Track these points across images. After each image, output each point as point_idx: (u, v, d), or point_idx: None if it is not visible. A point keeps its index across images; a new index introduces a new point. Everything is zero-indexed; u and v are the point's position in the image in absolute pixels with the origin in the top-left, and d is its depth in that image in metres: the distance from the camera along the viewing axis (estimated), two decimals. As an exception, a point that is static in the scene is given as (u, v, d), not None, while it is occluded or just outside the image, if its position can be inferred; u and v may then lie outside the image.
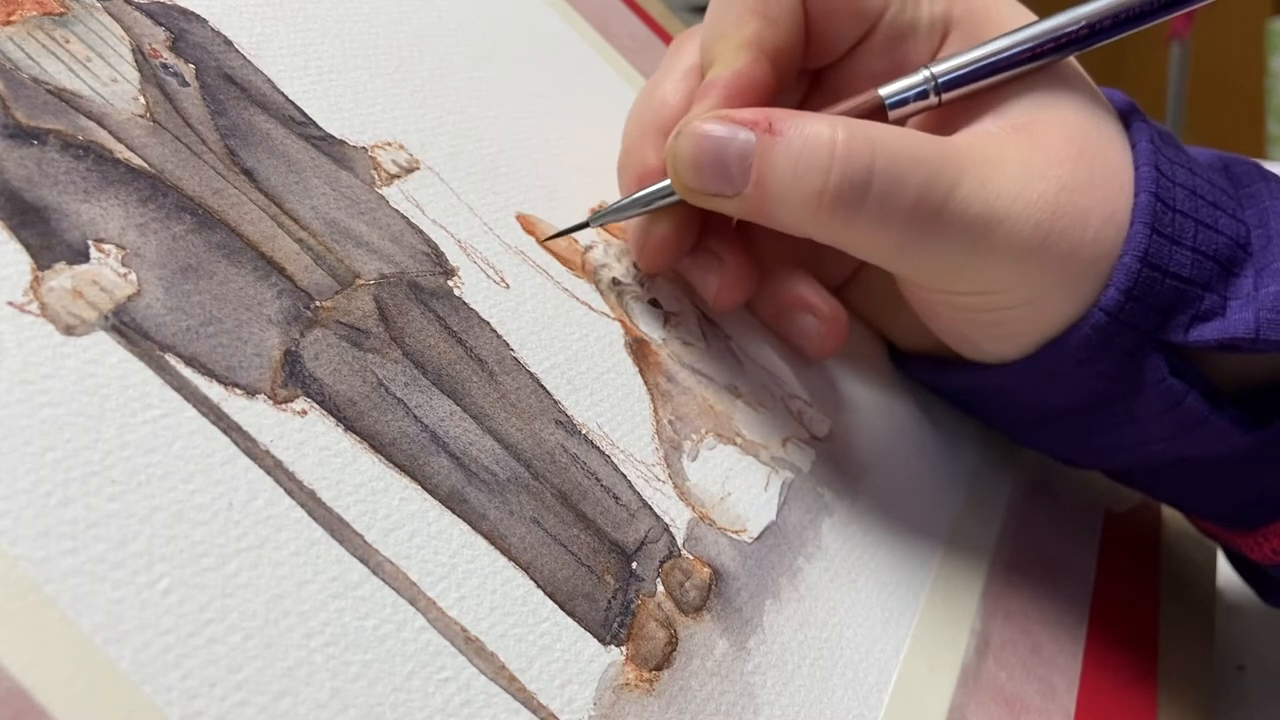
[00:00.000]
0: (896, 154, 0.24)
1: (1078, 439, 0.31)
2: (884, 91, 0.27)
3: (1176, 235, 0.26)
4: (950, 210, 0.24)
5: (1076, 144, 0.26)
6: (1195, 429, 0.27)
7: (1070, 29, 0.26)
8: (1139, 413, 0.28)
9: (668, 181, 0.27)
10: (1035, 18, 0.27)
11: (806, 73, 0.31)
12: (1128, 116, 0.28)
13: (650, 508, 0.23)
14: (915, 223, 0.25)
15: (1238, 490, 0.30)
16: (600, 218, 0.28)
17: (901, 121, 0.27)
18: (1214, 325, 0.26)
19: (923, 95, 0.27)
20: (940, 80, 0.26)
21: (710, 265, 0.29)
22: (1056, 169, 0.25)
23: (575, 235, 0.28)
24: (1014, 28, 0.27)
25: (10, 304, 0.17)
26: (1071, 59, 0.28)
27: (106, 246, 0.18)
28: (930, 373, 0.33)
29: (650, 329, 0.27)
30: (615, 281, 0.28)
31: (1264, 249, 0.26)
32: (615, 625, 0.21)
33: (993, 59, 0.26)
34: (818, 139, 0.24)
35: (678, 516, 0.23)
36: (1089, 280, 0.26)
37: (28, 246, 0.17)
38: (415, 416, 0.20)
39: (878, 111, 0.27)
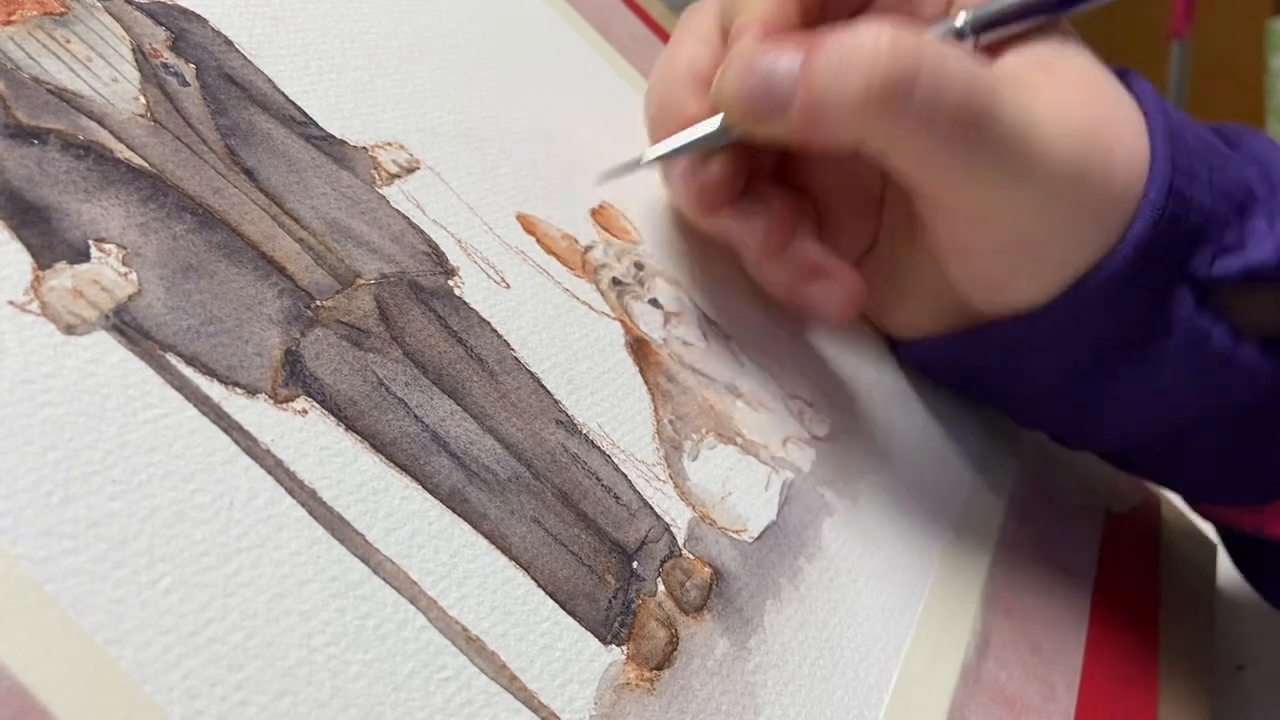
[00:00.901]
0: (940, 57, 0.25)
1: (1094, 402, 0.31)
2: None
3: (1193, 172, 0.27)
4: (995, 116, 0.25)
5: (1096, 84, 0.27)
6: (1220, 369, 0.27)
7: None
8: (1164, 354, 0.28)
9: (718, 120, 0.27)
10: None
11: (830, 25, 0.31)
12: (1123, 76, 0.29)
13: (651, 507, 0.23)
14: (961, 126, 0.25)
15: (1259, 450, 0.30)
16: (655, 155, 0.28)
17: None
18: (1237, 256, 0.26)
19: (959, 35, 0.28)
20: (979, 20, 0.28)
21: (756, 210, 0.29)
22: (1088, 101, 0.27)
23: (575, 235, 0.28)
24: None
25: (11, 303, 0.17)
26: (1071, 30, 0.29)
27: (107, 246, 0.18)
28: (942, 349, 0.33)
29: (650, 329, 0.27)
30: (615, 281, 0.28)
31: (1271, 196, 0.27)
32: (616, 625, 0.21)
33: (1030, 2, 0.27)
34: (861, 38, 0.25)
35: (678, 516, 0.23)
36: (1116, 213, 0.26)
37: (28, 246, 0.17)
38: (416, 416, 0.20)
39: None
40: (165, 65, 0.22)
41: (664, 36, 0.40)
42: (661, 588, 0.22)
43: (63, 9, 0.21)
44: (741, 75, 0.26)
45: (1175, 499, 0.42)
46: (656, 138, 0.29)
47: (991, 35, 0.28)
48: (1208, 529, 0.42)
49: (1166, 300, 0.27)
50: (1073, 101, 0.26)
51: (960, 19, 0.28)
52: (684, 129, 0.28)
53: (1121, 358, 0.29)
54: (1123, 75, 0.29)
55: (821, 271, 0.30)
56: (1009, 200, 0.26)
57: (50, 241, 0.18)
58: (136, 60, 0.22)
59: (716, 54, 0.29)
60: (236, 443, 0.18)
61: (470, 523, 0.20)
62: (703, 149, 0.28)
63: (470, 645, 0.18)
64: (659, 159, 0.29)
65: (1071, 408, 0.32)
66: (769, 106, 0.26)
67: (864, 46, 0.25)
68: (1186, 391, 0.28)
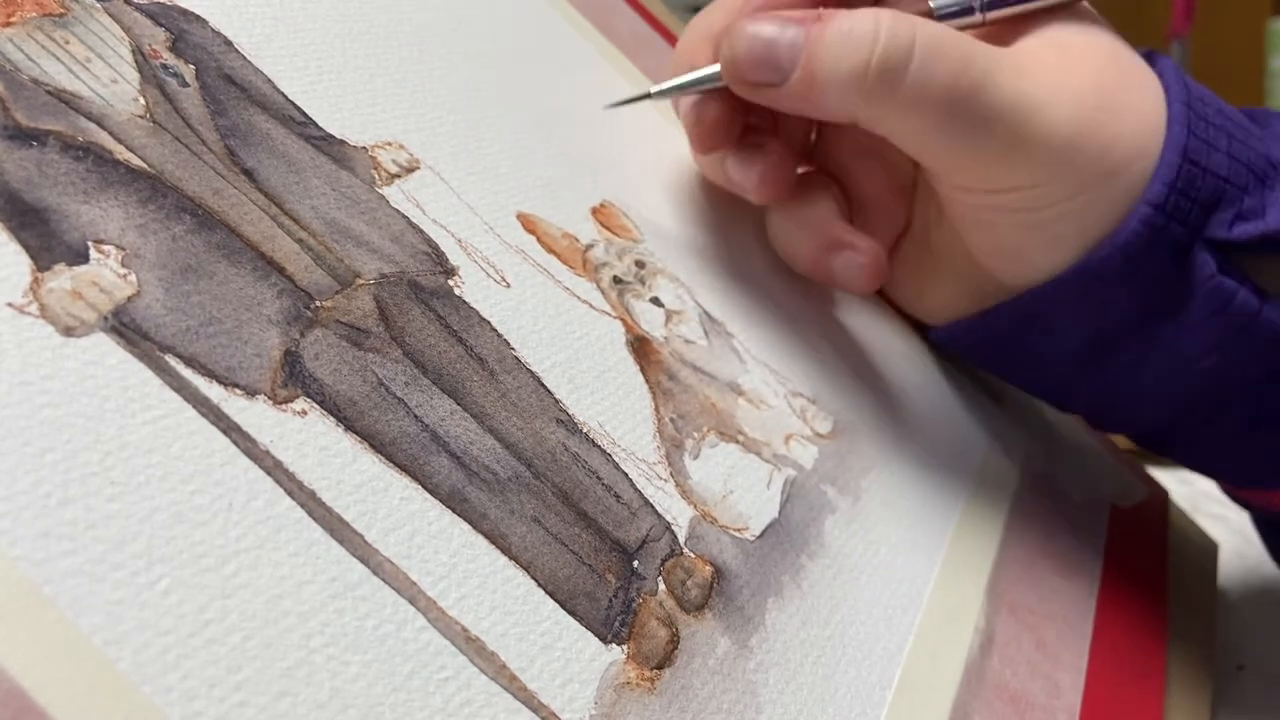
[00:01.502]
0: (936, 37, 0.26)
1: (1123, 373, 0.31)
2: (934, 3, 0.29)
3: (1211, 140, 0.27)
4: (987, 93, 0.26)
5: (1109, 54, 0.28)
6: (1246, 330, 0.27)
7: None
8: (1189, 318, 0.28)
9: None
10: None
11: None
12: (1147, 57, 0.30)
13: (652, 506, 0.23)
14: (951, 103, 0.26)
15: None
16: (663, 90, 0.31)
17: None
18: (1256, 223, 0.27)
19: (967, 11, 0.29)
20: None
21: (753, 155, 0.31)
22: (1093, 70, 0.27)
23: (575, 234, 0.28)
24: None
25: (10, 305, 0.17)
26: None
27: (106, 247, 0.18)
28: (973, 327, 0.33)
29: (651, 327, 0.27)
30: (616, 280, 0.28)
31: None
32: (616, 624, 0.20)
33: None
34: (864, 19, 0.26)
35: (679, 515, 0.23)
36: (1129, 177, 0.27)
37: (27, 248, 0.17)
38: (416, 416, 0.20)
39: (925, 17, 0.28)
40: (165, 66, 0.22)
41: (665, 35, 0.40)
42: (662, 586, 0.22)
43: (62, 10, 0.21)
44: (746, 40, 0.28)
45: (1177, 498, 0.42)
46: (675, 68, 0.32)
47: (1001, 12, 0.28)
48: (1209, 529, 0.42)
49: (1188, 264, 0.27)
50: (1080, 74, 0.27)
51: None
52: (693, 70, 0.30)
53: (1146, 324, 0.29)
54: (1149, 57, 0.29)
55: (843, 244, 0.31)
56: (1010, 172, 0.27)
57: (49, 243, 0.18)
58: (136, 61, 0.22)
59: (733, 17, 0.30)
60: (235, 444, 0.18)
61: (470, 523, 0.20)
62: (705, 88, 0.30)
63: (470, 645, 0.18)
64: (663, 93, 0.31)
65: (1101, 381, 0.32)
66: (769, 72, 0.27)
67: (864, 27, 0.26)
68: (1213, 357, 0.29)
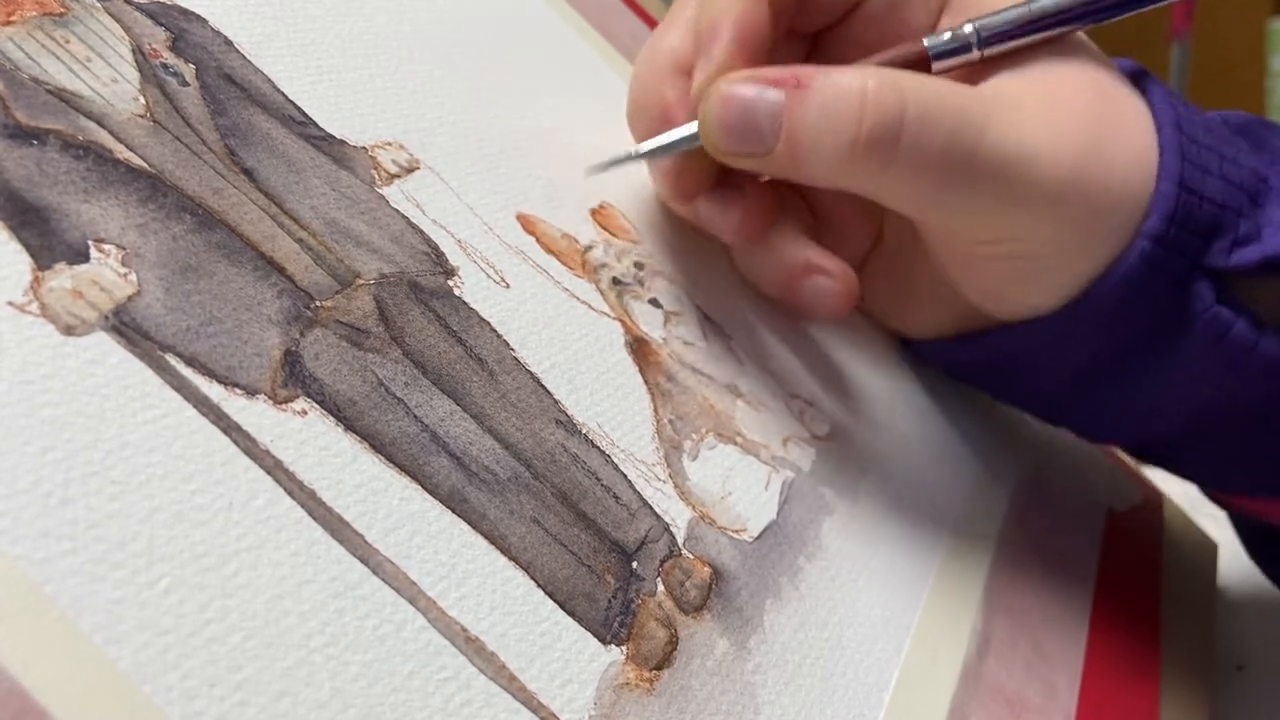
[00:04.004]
0: (926, 101, 0.25)
1: (1118, 398, 0.31)
2: (928, 42, 0.27)
3: (1204, 165, 0.26)
4: (983, 152, 0.25)
5: (1096, 89, 0.27)
6: (1243, 360, 0.27)
7: None
8: (1186, 349, 0.27)
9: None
10: None
11: (806, 37, 0.31)
12: (1135, 77, 0.29)
13: (650, 507, 0.23)
14: (949, 166, 0.25)
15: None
16: (648, 151, 0.28)
17: (943, 75, 0.28)
18: (1254, 248, 0.26)
19: (964, 49, 0.27)
20: (984, 35, 0.27)
21: (732, 198, 0.29)
22: (1082, 109, 0.26)
23: (575, 235, 0.28)
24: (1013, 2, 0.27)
25: (10, 304, 0.17)
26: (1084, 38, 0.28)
27: (106, 247, 0.18)
28: (958, 350, 0.33)
29: (650, 328, 0.27)
30: (615, 281, 0.28)
31: None
32: (615, 625, 0.21)
33: (1041, 16, 0.27)
34: (848, 89, 0.25)
35: (678, 516, 0.23)
36: (1124, 216, 0.26)
37: (28, 247, 0.17)
38: (415, 416, 0.20)
39: (920, 63, 0.27)
40: (165, 65, 0.22)
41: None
42: (661, 587, 0.22)
43: (62, 9, 0.21)
44: (723, 107, 0.26)
45: (1177, 498, 0.42)
46: (635, 122, 0.30)
47: (999, 48, 0.27)
48: (1209, 529, 0.42)
49: (1186, 295, 0.27)
50: (1071, 112, 0.26)
51: (968, 29, 0.27)
52: (661, 115, 0.29)
53: (1142, 356, 0.29)
54: (1135, 76, 0.29)
55: (814, 269, 0.30)
56: (1005, 225, 0.26)
57: (49, 242, 0.18)
58: (136, 60, 0.22)
59: (697, 43, 0.29)
60: (236, 443, 0.18)
61: (470, 523, 0.20)
62: (688, 148, 0.28)
63: (470, 645, 0.18)
64: (647, 155, 0.29)
65: (1092, 405, 0.32)
66: (750, 143, 0.26)
67: (850, 95, 0.25)
68: (1209, 385, 0.28)
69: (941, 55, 0.27)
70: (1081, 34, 0.28)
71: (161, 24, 0.23)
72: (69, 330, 0.17)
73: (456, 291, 0.23)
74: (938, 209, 0.27)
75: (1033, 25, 0.27)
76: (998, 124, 0.25)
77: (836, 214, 0.33)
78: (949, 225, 0.28)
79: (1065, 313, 0.28)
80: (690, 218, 0.30)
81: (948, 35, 0.27)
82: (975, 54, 0.27)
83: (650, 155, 0.29)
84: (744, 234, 0.29)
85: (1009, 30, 0.27)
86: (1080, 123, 0.26)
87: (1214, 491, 0.34)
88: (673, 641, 0.21)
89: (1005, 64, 0.27)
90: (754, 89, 0.26)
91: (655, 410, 0.25)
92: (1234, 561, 0.41)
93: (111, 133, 0.20)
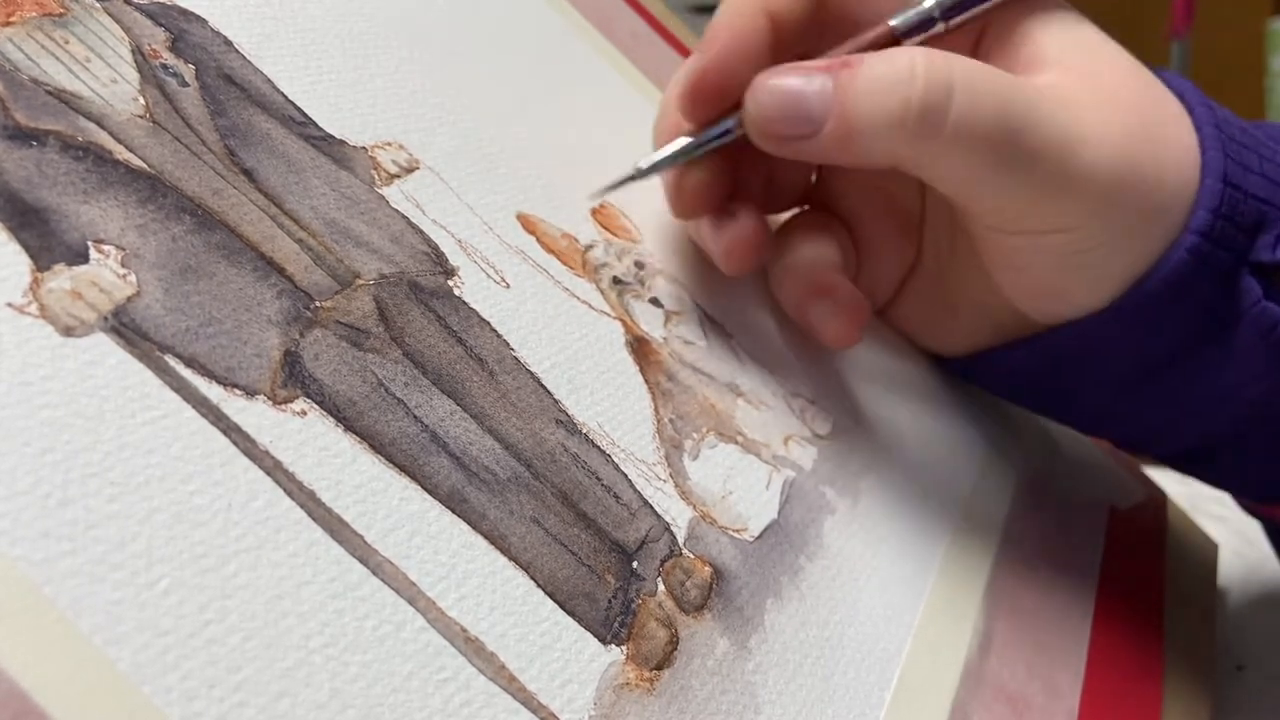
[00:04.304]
0: (973, 75, 0.25)
1: (1162, 401, 0.30)
2: (894, 21, 0.28)
3: (1245, 162, 0.27)
4: (1032, 131, 0.25)
5: (1142, 87, 0.27)
6: None
7: None
8: (1234, 344, 0.27)
9: (718, 129, 0.28)
10: None
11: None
12: (1159, 73, 0.29)
13: (651, 507, 0.23)
14: (999, 141, 0.25)
15: None
16: (652, 167, 0.29)
17: None
18: None
19: (929, 23, 0.27)
20: (945, 5, 0.27)
21: (725, 223, 0.29)
22: (1131, 107, 0.26)
23: (575, 235, 0.28)
24: None
25: (9, 305, 0.17)
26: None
27: (106, 247, 0.18)
28: (1002, 360, 0.33)
29: (651, 328, 0.27)
30: (616, 280, 0.28)
31: None
32: (616, 625, 0.20)
33: None
34: (898, 60, 0.25)
35: (679, 515, 0.23)
36: (1171, 213, 0.26)
37: (27, 248, 0.17)
38: (415, 416, 0.20)
39: (889, 42, 0.27)
40: (164, 66, 0.22)
41: (665, 35, 0.40)
42: (661, 587, 0.22)
43: (62, 10, 0.21)
44: (771, 94, 0.26)
45: (1177, 499, 0.42)
46: (655, 139, 0.30)
47: (962, 17, 0.27)
48: (1209, 529, 0.42)
49: (1233, 291, 0.27)
50: (1118, 105, 0.26)
51: (928, 3, 0.27)
52: (672, 129, 0.29)
53: (1188, 354, 0.28)
54: (1157, 74, 0.29)
55: (825, 291, 0.30)
56: (1056, 212, 0.26)
57: (49, 243, 0.18)
58: (136, 61, 0.22)
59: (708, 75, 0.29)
60: (235, 444, 0.18)
61: (469, 523, 0.20)
62: (703, 149, 0.28)
63: (469, 646, 0.18)
64: (654, 167, 0.29)
65: (1137, 410, 0.31)
66: (800, 125, 0.26)
67: (900, 68, 0.25)
68: (1255, 382, 0.28)
69: (908, 34, 0.28)
70: (1088, 24, 0.28)
71: (161, 24, 0.23)
72: (68, 331, 0.17)
73: (456, 291, 0.23)
74: (988, 189, 0.27)
75: None
76: (1047, 105, 0.25)
77: (875, 235, 0.32)
78: (999, 210, 0.27)
79: (1111, 311, 0.28)
80: (691, 234, 0.31)
81: (911, 12, 0.27)
82: (940, 26, 0.27)
83: (646, 173, 0.29)
84: (732, 263, 0.29)
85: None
86: (1128, 114, 0.26)
87: (1250, 502, 0.34)
88: (673, 641, 0.21)
89: (1036, 56, 0.28)
90: (800, 77, 0.26)
91: (656, 410, 0.25)
92: (1234, 561, 0.41)
93: (111, 133, 0.20)
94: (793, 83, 0.26)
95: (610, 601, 0.21)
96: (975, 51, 0.29)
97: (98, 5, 0.22)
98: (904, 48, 0.26)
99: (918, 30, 0.27)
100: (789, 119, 0.26)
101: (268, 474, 0.18)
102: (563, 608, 0.20)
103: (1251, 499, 0.34)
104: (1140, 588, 0.34)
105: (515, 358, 0.23)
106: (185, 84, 0.22)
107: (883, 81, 0.25)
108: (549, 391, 0.23)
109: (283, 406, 0.19)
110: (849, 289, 0.30)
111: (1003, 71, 0.26)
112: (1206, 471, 0.33)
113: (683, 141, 0.28)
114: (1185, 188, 0.26)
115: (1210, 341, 0.28)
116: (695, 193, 0.29)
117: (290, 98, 0.24)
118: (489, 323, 0.23)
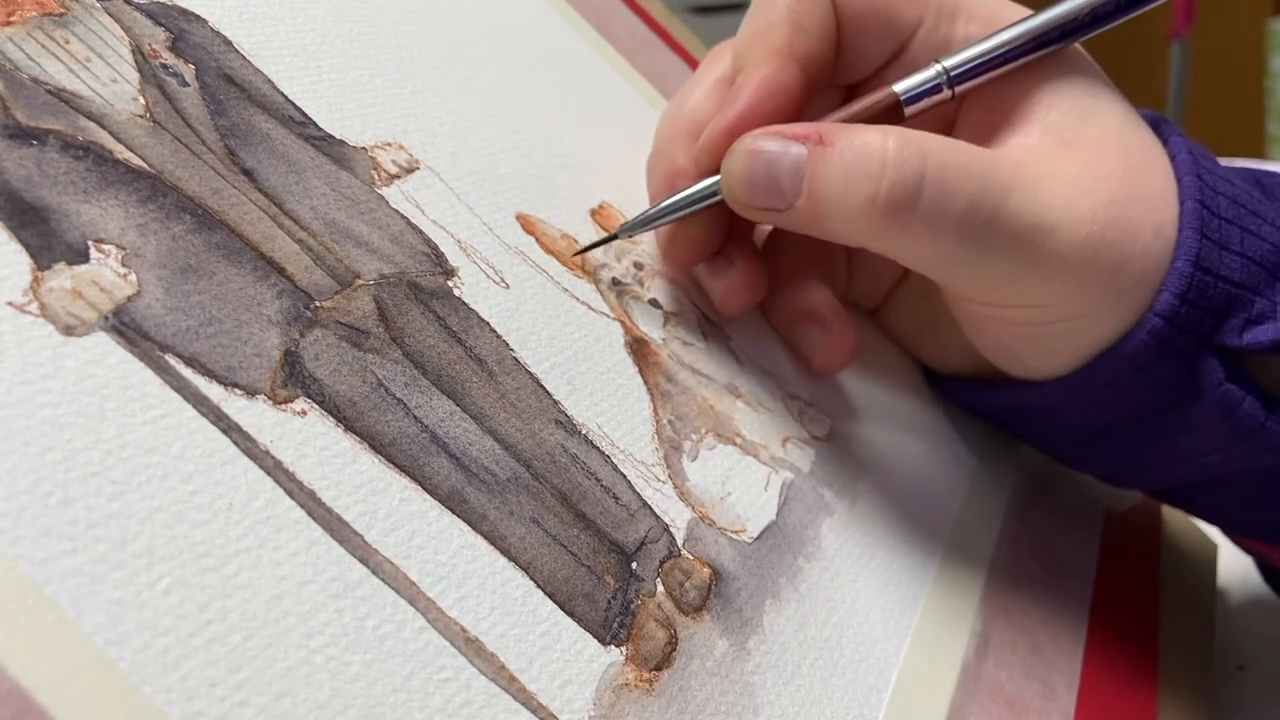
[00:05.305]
0: (947, 163, 0.25)
1: (1129, 456, 0.31)
2: (898, 87, 0.27)
3: (1224, 241, 0.26)
4: (1002, 220, 0.25)
5: (1122, 158, 0.26)
6: (1251, 437, 0.27)
7: (1074, 16, 0.27)
8: (1194, 422, 0.27)
9: (699, 187, 0.27)
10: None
11: (840, 88, 0.31)
12: (1160, 128, 0.28)
13: (650, 508, 0.23)
14: (967, 231, 0.25)
15: None
16: (629, 228, 0.28)
17: (919, 118, 0.27)
18: (1267, 328, 0.26)
19: (936, 90, 0.27)
20: (952, 73, 0.27)
21: (721, 268, 0.29)
22: (1106, 183, 0.26)
23: (574, 236, 0.28)
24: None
25: (10, 304, 0.17)
26: (1086, 56, 0.28)
27: (106, 247, 0.18)
28: (973, 393, 0.33)
29: (650, 329, 0.27)
30: (615, 281, 0.28)
31: None
32: (615, 625, 0.21)
33: (1003, 49, 0.27)
34: (869, 147, 0.25)
35: (678, 516, 0.23)
36: (1139, 293, 0.26)
37: (27, 247, 0.17)
38: (415, 417, 0.20)
39: (894, 108, 0.27)
40: (165, 66, 0.22)
41: (664, 36, 0.40)
42: (661, 588, 0.22)
43: (62, 9, 0.21)
44: (747, 161, 0.26)
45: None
46: (649, 178, 0.30)
47: (969, 84, 0.27)
48: (1209, 529, 0.42)
49: (1196, 370, 0.26)
50: (1095, 182, 0.26)
51: (932, 71, 0.27)
52: (668, 175, 0.28)
53: (1152, 421, 0.28)
54: (1156, 125, 0.28)
55: (813, 317, 0.30)
56: (1019, 291, 0.26)
57: (49, 242, 0.18)
58: (136, 61, 0.22)
59: (720, 104, 0.29)
60: (235, 444, 0.18)
61: (469, 523, 0.20)
62: (686, 212, 0.28)
63: (469, 646, 0.18)
64: (635, 232, 0.28)
65: (1106, 458, 0.32)
66: (772, 198, 0.26)
67: (872, 154, 0.25)
68: (1218, 453, 0.28)
69: (913, 100, 0.27)
70: (1087, 56, 0.28)
71: (161, 24, 0.23)
72: (69, 330, 0.17)
73: (456, 292, 0.23)
74: (954, 271, 0.26)
75: (998, 58, 0.27)
76: (1020, 192, 0.25)
77: (863, 250, 0.32)
78: (965, 288, 0.28)
79: (1074, 379, 0.28)
80: (691, 272, 0.30)
81: (916, 79, 0.27)
82: (947, 93, 0.27)
83: (630, 232, 0.28)
84: (726, 307, 0.29)
85: (976, 66, 0.27)
86: (1104, 197, 0.26)
87: (1237, 536, 0.34)
88: (672, 642, 0.21)
89: (1026, 116, 0.27)
90: (778, 144, 0.26)
91: (655, 411, 0.25)
92: (1234, 562, 0.41)
93: (111, 133, 0.20)
94: (771, 148, 0.26)
95: (610, 602, 0.21)
96: (963, 100, 0.28)
97: (98, 5, 0.22)
98: (880, 128, 0.25)
99: (923, 96, 0.27)
100: (762, 191, 0.26)
101: (268, 474, 0.18)
102: (562, 608, 0.20)
103: (1236, 534, 0.34)
104: (1136, 590, 0.35)
105: (515, 358, 0.23)
106: (185, 84, 0.22)
107: (853, 170, 0.25)
108: (548, 392, 0.23)
109: (283, 406, 0.19)
110: (837, 317, 0.30)
111: (978, 151, 0.25)
112: (1187, 508, 0.33)
113: (668, 202, 0.28)
114: (1155, 269, 0.26)
115: (1173, 412, 0.28)
116: (688, 248, 0.29)
117: (290, 98, 0.24)
118: (489, 323, 0.23)
